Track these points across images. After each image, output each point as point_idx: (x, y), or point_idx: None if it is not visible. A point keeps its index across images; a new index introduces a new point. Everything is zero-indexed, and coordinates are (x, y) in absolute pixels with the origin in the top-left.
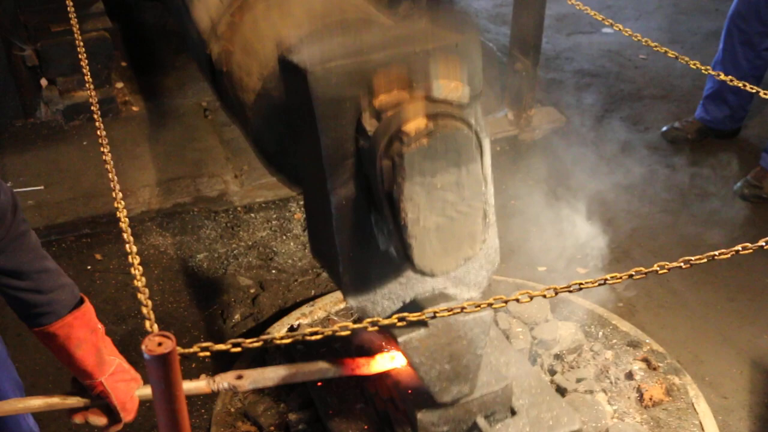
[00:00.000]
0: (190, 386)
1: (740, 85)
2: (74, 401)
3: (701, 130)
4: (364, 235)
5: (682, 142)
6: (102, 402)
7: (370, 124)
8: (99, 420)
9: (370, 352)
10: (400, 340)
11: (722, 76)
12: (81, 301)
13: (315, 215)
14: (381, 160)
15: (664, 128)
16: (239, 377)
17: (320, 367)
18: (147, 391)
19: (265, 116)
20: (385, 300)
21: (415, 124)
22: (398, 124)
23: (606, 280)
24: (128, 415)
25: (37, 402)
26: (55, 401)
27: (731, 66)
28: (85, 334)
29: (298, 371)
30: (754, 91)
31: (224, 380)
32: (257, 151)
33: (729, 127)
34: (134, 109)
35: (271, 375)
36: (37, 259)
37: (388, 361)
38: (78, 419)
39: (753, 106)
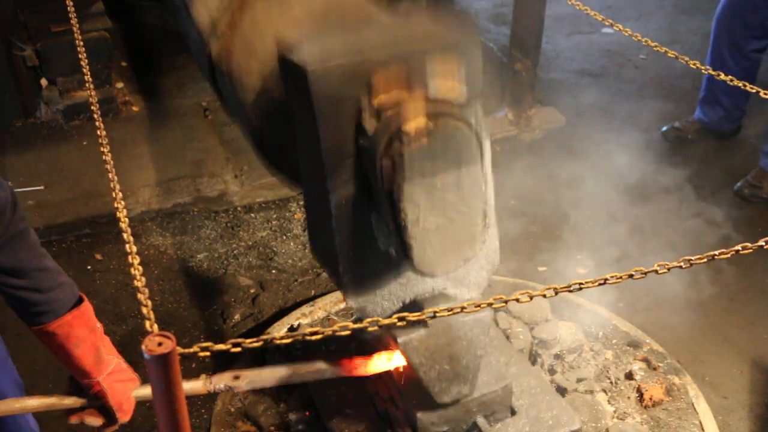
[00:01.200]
0: (187, 387)
1: (740, 84)
2: (71, 401)
3: (701, 131)
4: (365, 236)
5: (682, 142)
6: (99, 402)
7: (369, 124)
8: (95, 420)
9: (372, 350)
10: (400, 340)
11: (722, 76)
12: (80, 300)
13: (315, 215)
14: (381, 160)
15: (664, 128)
16: (236, 378)
17: (318, 368)
18: (144, 391)
19: (265, 115)
20: (384, 300)
21: (415, 123)
22: (398, 124)
23: (606, 280)
24: (124, 415)
25: (34, 402)
26: (51, 401)
27: (720, 68)
28: (84, 333)
29: (296, 372)
30: (754, 90)
31: (221, 381)
32: (257, 150)
33: (726, 128)
34: (134, 109)
35: (268, 375)
36: (36, 257)
37: (385, 362)
38: (74, 420)
39: (752, 105)
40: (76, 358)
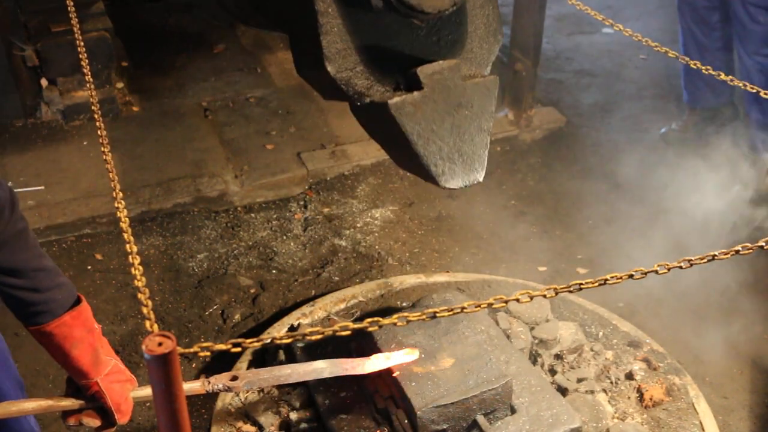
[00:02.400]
0: (185, 387)
1: (741, 84)
2: (68, 403)
3: (698, 124)
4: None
5: (682, 143)
6: (97, 404)
7: None
8: (93, 421)
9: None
10: (391, 102)
11: (722, 76)
12: (78, 301)
13: (294, 11)
14: None
15: (663, 130)
16: (234, 378)
17: (315, 368)
18: (142, 392)
19: None
20: (371, 68)
21: None
22: None
23: (606, 280)
24: (123, 416)
25: (31, 405)
26: (49, 404)
27: (693, 45)
28: (82, 333)
29: (294, 372)
30: (754, 91)
31: (219, 381)
32: None
33: (718, 103)
34: (134, 109)
35: (266, 376)
36: (35, 257)
37: (382, 362)
38: (72, 421)
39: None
40: (73, 359)
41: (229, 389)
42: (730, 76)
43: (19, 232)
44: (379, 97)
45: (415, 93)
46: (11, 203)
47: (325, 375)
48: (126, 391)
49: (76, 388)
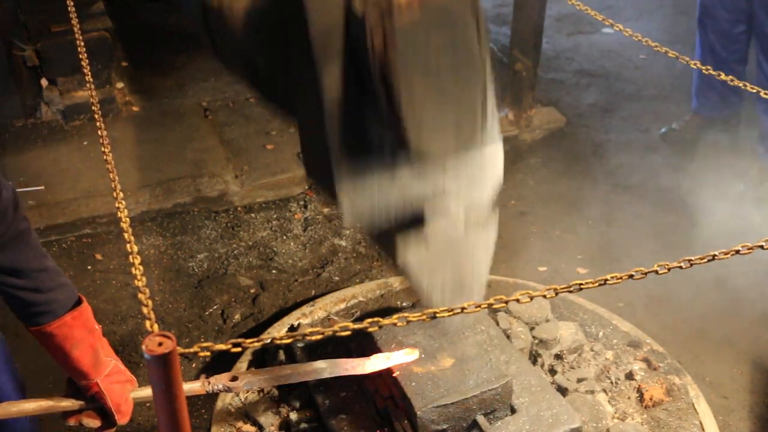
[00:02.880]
0: (185, 388)
1: (741, 84)
2: (68, 404)
3: (699, 127)
4: (357, 132)
5: (682, 143)
6: (96, 405)
7: (359, 3)
8: (93, 422)
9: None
10: (399, 261)
11: (723, 76)
12: (79, 301)
13: (307, 121)
14: (372, 35)
15: (663, 130)
16: (234, 379)
17: (315, 368)
18: (142, 393)
19: (254, 32)
20: (381, 202)
21: None
22: None
23: (606, 280)
24: (123, 417)
25: (31, 405)
26: (49, 404)
27: (711, 58)
28: (83, 334)
29: (293, 372)
30: (754, 91)
31: (219, 382)
32: (248, 76)
33: (725, 114)
34: (134, 109)
35: (266, 376)
36: (37, 257)
37: (382, 362)
38: (72, 422)
39: (752, 105)
40: (74, 359)
41: (229, 389)
42: (744, 82)
43: (22, 232)
44: (387, 246)
45: (422, 246)
46: (14, 203)
47: (325, 375)
48: (126, 391)
49: (76, 389)
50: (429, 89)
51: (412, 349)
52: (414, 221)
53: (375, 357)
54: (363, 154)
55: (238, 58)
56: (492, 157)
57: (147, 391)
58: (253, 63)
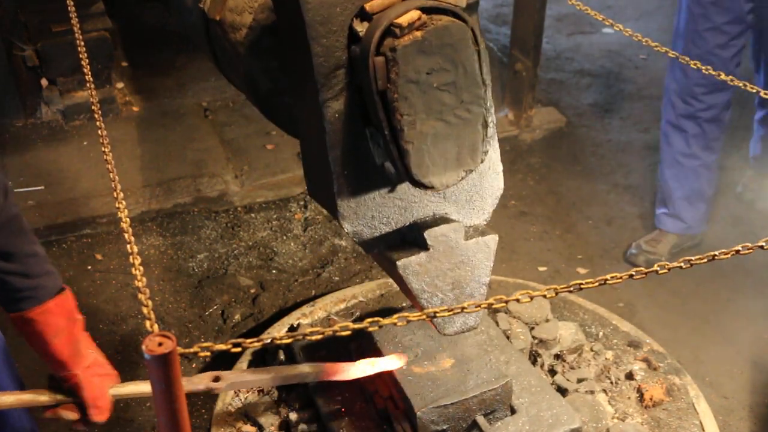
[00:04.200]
0: None
1: (741, 84)
2: (46, 398)
3: None
4: (359, 154)
5: None
6: (76, 399)
7: (361, 26)
8: (71, 414)
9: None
10: (399, 263)
11: (723, 76)
12: (62, 290)
13: (309, 145)
14: (373, 58)
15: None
16: (216, 379)
17: (300, 372)
18: (123, 390)
19: (257, 50)
20: (382, 224)
21: (408, 16)
22: (390, 19)
23: (606, 280)
24: (100, 413)
25: (11, 399)
26: (27, 398)
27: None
28: (64, 322)
29: (278, 375)
30: (754, 91)
31: (201, 381)
32: (251, 93)
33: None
34: (134, 109)
35: (250, 378)
36: (28, 242)
37: (368, 367)
38: (50, 415)
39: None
40: (53, 348)
41: (210, 390)
42: (731, 76)
43: (14, 216)
44: (387, 252)
45: (422, 253)
46: (4, 189)
47: (309, 380)
48: (105, 385)
49: (57, 383)
50: (430, 108)
51: (399, 355)
52: (414, 243)
53: (360, 363)
54: (365, 180)
55: (240, 75)
56: (491, 173)
57: (128, 388)
58: (255, 81)
